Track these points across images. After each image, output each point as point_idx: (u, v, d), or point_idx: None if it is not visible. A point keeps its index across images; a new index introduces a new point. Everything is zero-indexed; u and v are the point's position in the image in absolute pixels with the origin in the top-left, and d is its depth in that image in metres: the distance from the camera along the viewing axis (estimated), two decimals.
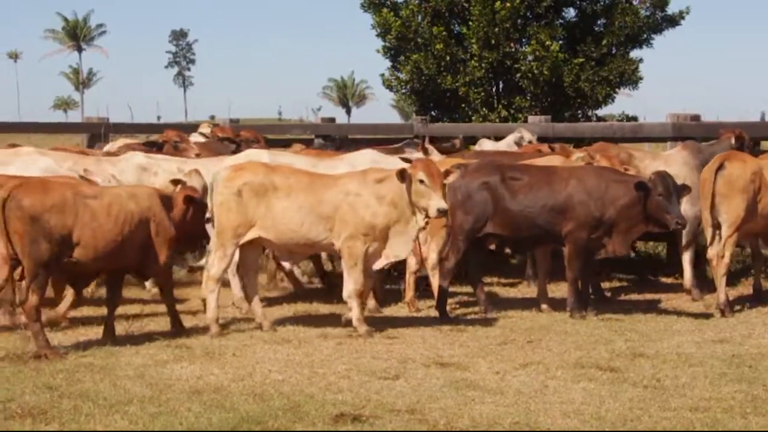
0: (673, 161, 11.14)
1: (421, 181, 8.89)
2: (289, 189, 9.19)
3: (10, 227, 8.19)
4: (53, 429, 6.35)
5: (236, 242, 9.22)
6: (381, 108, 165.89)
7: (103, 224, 8.50)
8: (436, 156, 11.20)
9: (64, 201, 8.35)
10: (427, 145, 11.92)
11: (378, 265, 9.27)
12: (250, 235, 9.21)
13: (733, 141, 11.23)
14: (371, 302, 10.02)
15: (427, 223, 9.12)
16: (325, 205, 9.14)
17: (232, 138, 12.82)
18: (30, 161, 10.22)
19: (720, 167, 9.98)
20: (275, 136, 17.57)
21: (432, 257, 10.29)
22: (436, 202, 8.82)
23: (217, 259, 9.25)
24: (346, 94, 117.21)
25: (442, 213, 8.88)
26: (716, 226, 10.03)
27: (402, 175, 8.92)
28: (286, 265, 10.98)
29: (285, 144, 14.77)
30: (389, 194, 9.07)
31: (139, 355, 8.33)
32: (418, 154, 11.11)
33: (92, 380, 7.54)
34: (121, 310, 9.36)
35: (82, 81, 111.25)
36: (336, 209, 9.11)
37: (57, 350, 8.30)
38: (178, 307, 9.59)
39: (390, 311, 10.40)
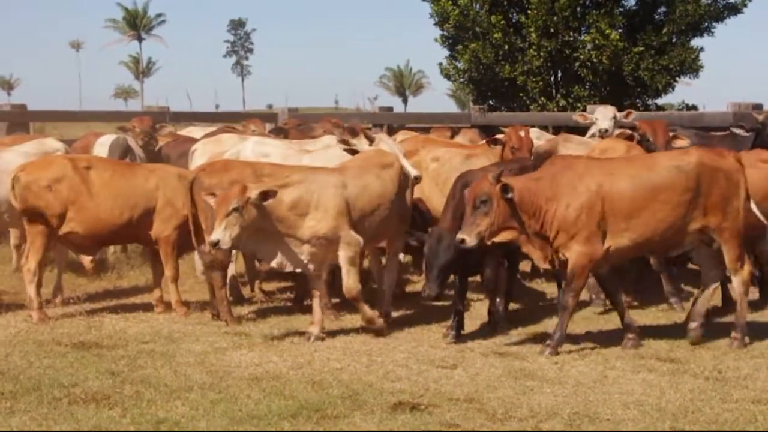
0: None
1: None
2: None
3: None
4: (116, 414, 6.43)
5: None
6: (437, 97, 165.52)
7: None
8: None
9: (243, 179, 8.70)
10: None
11: None
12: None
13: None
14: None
15: None
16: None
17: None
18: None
19: None
20: None
21: None
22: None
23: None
24: (403, 83, 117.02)
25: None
26: None
27: None
28: None
29: None
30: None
31: (199, 342, 8.42)
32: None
33: (153, 366, 7.63)
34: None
35: (141, 70, 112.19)
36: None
37: None
38: None
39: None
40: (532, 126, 13.41)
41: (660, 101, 20.85)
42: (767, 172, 9.59)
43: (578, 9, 19.47)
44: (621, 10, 20.06)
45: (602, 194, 8.04)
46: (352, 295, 8.61)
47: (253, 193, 8.14)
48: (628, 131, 10.88)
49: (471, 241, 7.87)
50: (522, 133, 10.90)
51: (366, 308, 8.65)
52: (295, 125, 13.55)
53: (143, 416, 6.39)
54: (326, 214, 8.40)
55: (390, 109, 19.90)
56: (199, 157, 10.67)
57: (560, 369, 7.61)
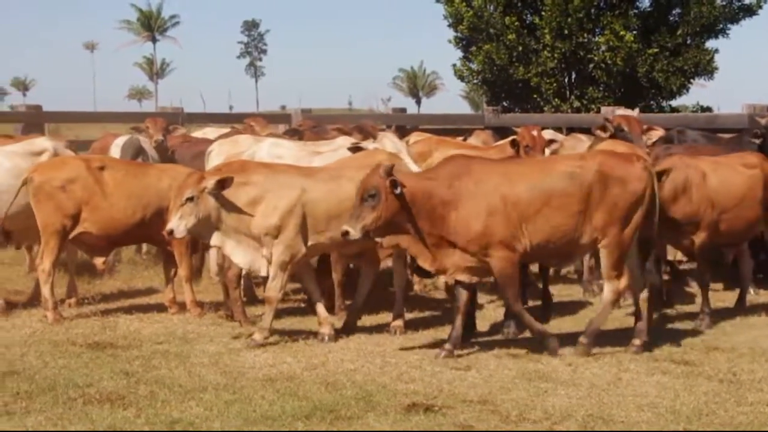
0: None
1: None
2: None
3: None
4: (131, 414, 6.45)
5: None
6: (451, 98, 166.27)
7: None
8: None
9: None
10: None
11: None
12: None
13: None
14: None
15: None
16: None
17: None
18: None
19: None
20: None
21: None
22: None
23: None
24: (416, 84, 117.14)
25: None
26: None
27: None
28: None
29: None
30: None
31: (213, 343, 8.43)
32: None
33: (168, 367, 7.65)
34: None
35: (155, 71, 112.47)
36: None
37: None
38: None
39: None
40: (546, 128, 13.42)
41: (674, 103, 20.84)
42: (747, 177, 9.40)
43: (592, 10, 19.48)
44: (635, 11, 20.09)
45: (501, 196, 7.89)
46: (269, 297, 8.52)
47: (209, 183, 8.20)
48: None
49: (355, 233, 7.75)
50: (535, 133, 10.92)
51: (269, 317, 8.50)
52: (311, 127, 13.59)
53: (158, 417, 6.40)
54: (273, 212, 8.37)
55: (403, 110, 19.92)
56: (215, 157, 10.68)
57: (574, 371, 7.59)
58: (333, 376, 7.41)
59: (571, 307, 10.06)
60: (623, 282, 8.17)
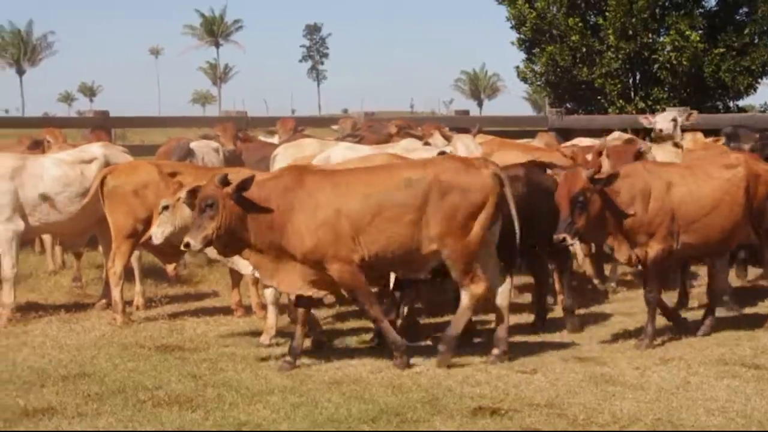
0: None
1: None
2: None
3: None
4: (198, 417, 6.52)
5: None
6: (512, 100, 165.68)
7: None
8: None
9: None
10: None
11: None
12: None
13: None
14: None
15: None
16: None
17: None
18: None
19: None
20: None
21: None
22: None
23: None
24: (478, 86, 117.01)
25: None
26: None
27: None
28: None
29: None
30: None
31: (279, 346, 8.47)
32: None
33: (234, 370, 7.71)
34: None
35: (219, 75, 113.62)
36: None
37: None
38: None
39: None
40: (611, 129, 13.34)
41: (741, 103, 20.57)
42: (721, 183, 8.66)
43: (657, 10, 19.28)
44: (701, 10, 19.84)
45: (333, 208, 7.63)
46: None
47: (183, 192, 8.22)
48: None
49: (196, 244, 7.57)
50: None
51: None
52: (368, 127, 13.68)
53: (225, 419, 6.46)
54: None
55: (466, 112, 19.88)
56: (280, 161, 10.78)
57: (642, 375, 7.52)
58: (399, 379, 7.41)
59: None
60: (480, 286, 7.82)
